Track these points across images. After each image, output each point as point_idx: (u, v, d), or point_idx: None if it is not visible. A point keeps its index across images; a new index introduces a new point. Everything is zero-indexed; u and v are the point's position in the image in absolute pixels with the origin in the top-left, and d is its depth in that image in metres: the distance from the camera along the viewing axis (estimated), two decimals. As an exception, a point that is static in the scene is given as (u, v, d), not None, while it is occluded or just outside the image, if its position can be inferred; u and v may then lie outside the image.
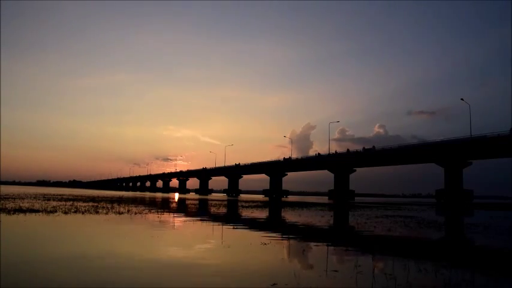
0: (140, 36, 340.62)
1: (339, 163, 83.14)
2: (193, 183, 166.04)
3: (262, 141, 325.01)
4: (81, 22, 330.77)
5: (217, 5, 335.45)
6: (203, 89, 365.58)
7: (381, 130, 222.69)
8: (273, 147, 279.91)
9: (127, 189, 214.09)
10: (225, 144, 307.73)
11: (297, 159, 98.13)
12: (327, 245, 10.05)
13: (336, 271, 6.48)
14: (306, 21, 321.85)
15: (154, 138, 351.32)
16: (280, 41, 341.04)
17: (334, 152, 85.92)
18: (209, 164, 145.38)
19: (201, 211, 24.72)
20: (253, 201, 50.35)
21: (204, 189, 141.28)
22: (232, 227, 14.52)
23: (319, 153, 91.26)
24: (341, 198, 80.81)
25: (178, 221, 16.72)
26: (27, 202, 25.90)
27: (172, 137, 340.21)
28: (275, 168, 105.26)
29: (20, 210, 17.68)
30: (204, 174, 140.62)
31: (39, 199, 32.10)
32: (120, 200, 36.87)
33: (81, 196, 47.03)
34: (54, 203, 25.80)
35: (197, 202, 42.39)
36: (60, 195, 48.80)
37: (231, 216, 20.79)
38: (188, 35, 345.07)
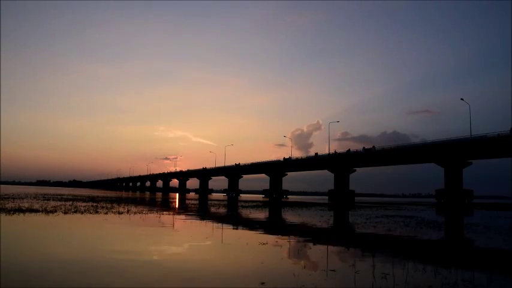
0: (139, 36, 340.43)
1: (339, 163, 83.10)
2: (193, 183, 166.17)
3: (259, 140, 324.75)
4: (79, 19, 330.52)
5: (214, 3, 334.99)
6: (196, 89, 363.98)
7: (382, 130, 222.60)
8: (272, 147, 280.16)
9: (127, 189, 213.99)
10: (218, 144, 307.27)
11: (296, 159, 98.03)
12: (326, 245, 10.03)
13: (333, 271, 6.47)
14: (306, 20, 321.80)
15: (149, 138, 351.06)
16: (276, 38, 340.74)
17: (334, 151, 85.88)
18: (206, 164, 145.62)
19: (201, 211, 24.71)
20: (253, 201, 50.32)
21: (204, 189, 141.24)
22: (231, 227, 14.49)
23: (316, 153, 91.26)
24: (341, 198, 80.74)
25: (178, 220, 16.69)
26: (27, 202, 25.88)
27: (164, 138, 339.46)
28: (275, 168, 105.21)
29: (20, 210, 17.67)
30: (204, 174, 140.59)
31: (39, 199, 32.09)
32: (119, 200, 36.86)
33: (81, 196, 47.02)
34: (54, 203, 25.79)
35: (197, 202, 42.37)
36: (60, 195, 48.79)
37: (230, 216, 20.77)
38: (182, 33, 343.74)
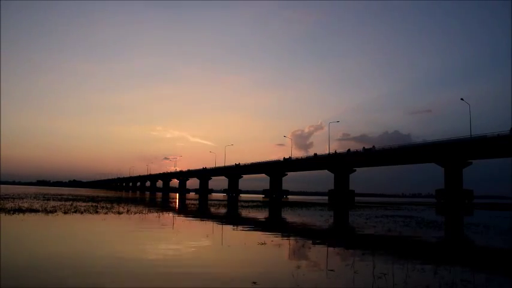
0: (137, 37, 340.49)
1: (339, 163, 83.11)
2: (193, 183, 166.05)
3: (259, 140, 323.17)
4: (76, 18, 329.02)
5: (211, 2, 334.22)
6: (195, 88, 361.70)
7: (383, 130, 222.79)
8: (272, 147, 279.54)
9: (127, 189, 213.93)
10: (217, 145, 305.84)
11: (296, 159, 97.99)
12: (326, 245, 10.03)
13: (332, 270, 6.46)
14: (307, 19, 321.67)
15: (148, 138, 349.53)
16: (276, 37, 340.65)
17: (334, 151, 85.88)
18: (205, 164, 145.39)
19: (201, 211, 24.71)
20: (253, 201, 50.33)
21: (204, 189, 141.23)
22: (231, 227, 14.49)
23: (315, 154, 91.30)
24: (341, 198, 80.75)
25: (177, 220, 16.70)
26: (27, 202, 25.89)
27: (162, 138, 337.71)
28: (275, 168, 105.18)
29: (20, 210, 17.67)
30: (204, 174, 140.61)
31: (39, 199, 32.10)
32: (119, 200, 36.87)
33: (81, 196, 47.02)
34: (54, 203, 25.79)
35: (197, 202, 42.38)
36: (60, 195, 48.80)
37: (230, 216, 20.78)
38: (180, 31, 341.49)
